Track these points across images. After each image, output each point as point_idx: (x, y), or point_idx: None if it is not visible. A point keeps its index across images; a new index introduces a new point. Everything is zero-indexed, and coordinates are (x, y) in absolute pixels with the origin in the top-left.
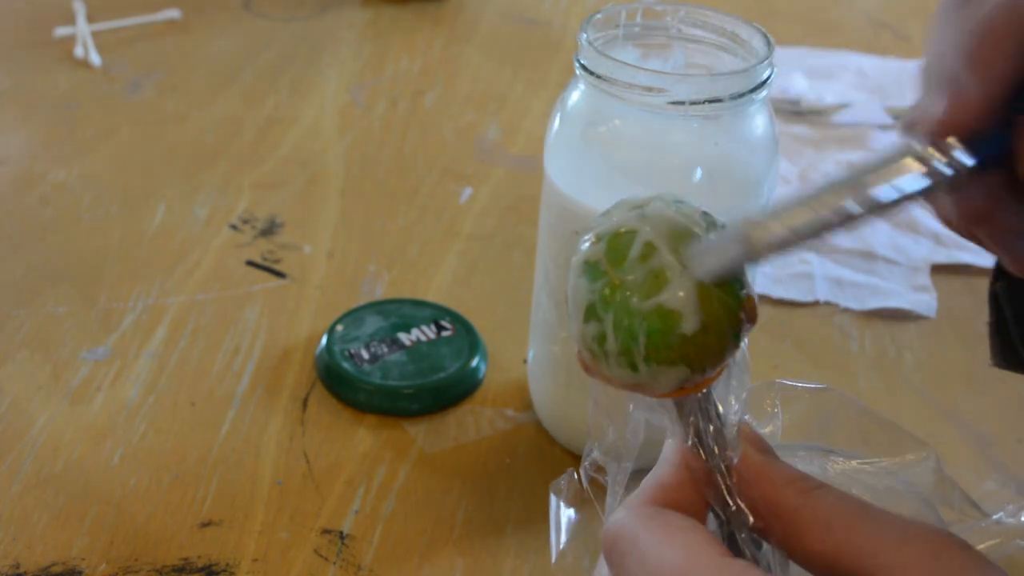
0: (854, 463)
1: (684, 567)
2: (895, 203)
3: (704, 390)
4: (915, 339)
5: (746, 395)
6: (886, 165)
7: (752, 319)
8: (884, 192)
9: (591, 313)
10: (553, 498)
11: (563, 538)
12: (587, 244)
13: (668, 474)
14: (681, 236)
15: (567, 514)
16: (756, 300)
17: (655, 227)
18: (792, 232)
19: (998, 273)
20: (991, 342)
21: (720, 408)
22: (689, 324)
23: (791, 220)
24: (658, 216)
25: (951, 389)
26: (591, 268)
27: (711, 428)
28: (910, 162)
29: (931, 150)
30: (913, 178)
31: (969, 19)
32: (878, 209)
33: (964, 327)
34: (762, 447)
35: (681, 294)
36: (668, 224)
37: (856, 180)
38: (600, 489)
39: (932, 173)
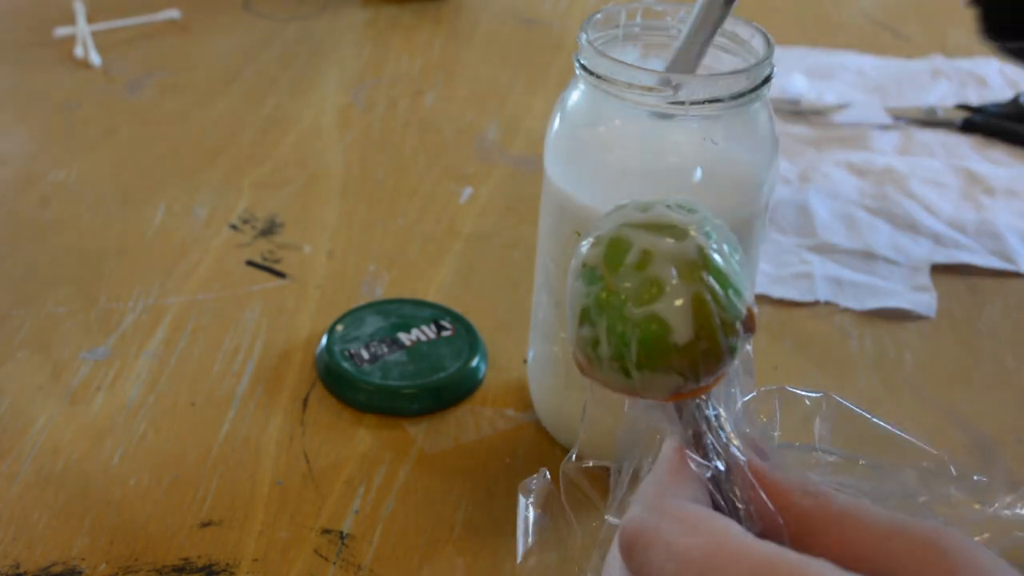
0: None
1: (715, 550)
2: None
3: (703, 396)
4: (915, 339)
5: (749, 399)
6: None
7: (750, 329)
8: None
9: (585, 317)
10: (521, 499)
11: (530, 539)
12: (586, 247)
13: (673, 471)
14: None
15: (535, 515)
16: (755, 310)
17: (652, 238)
18: None
19: None
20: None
21: (720, 411)
22: (681, 335)
23: None
24: (657, 224)
25: (951, 389)
26: (588, 272)
27: (710, 431)
28: None
29: None
30: None
31: None
32: None
33: (964, 327)
34: (762, 454)
35: (675, 304)
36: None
37: None
38: (576, 492)
39: None
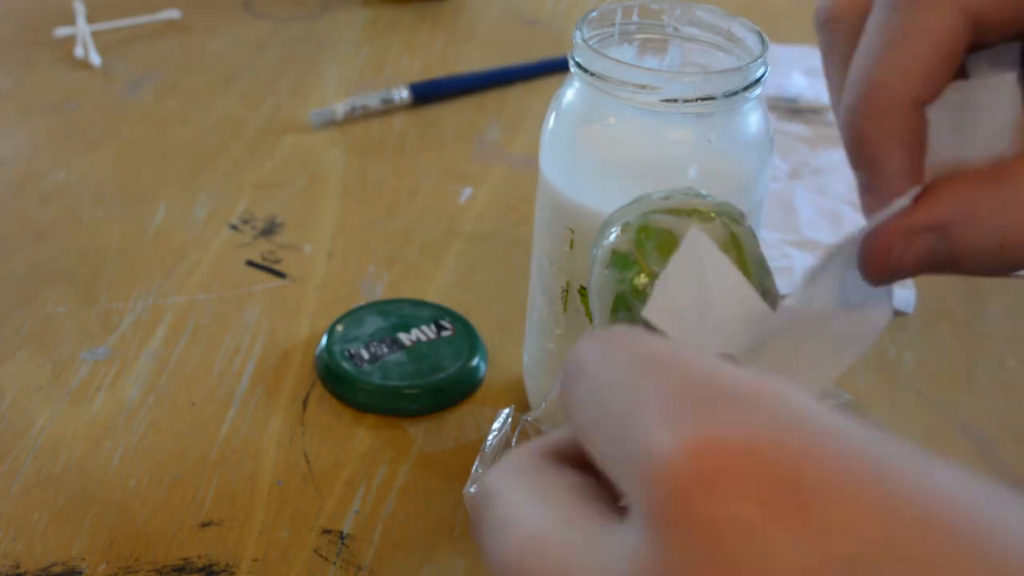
0: None
1: (539, 531)
2: None
3: None
4: (915, 339)
5: None
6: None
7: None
8: None
9: (620, 303)
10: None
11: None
12: (614, 235)
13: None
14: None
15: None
16: (778, 290)
17: (680, 220)
18: None
19: None
20: None
21: None
22: None
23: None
24: (682, 209)
25: (951, 389)
26: (621, 258)
27: None
28: None
29: None
30: None
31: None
32: None
33: (964, 327)
34: None
35: None
36: (693, 218)
37: None
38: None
39: None
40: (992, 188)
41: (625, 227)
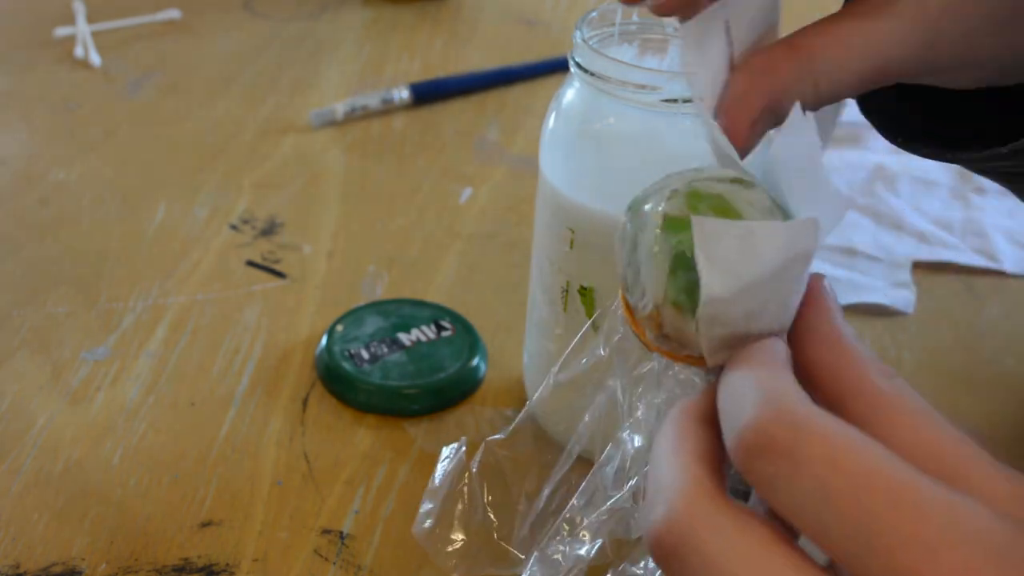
0: None
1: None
2: None
3: None
4: (915, 339)
5: None
6: None
7: None
8: None
9: (680, 263)
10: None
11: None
12: (662, 203)
13: (705, 439)
14: (745, 195)
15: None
16: None
17: (729, 186)
18: None
19: None
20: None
21: None
22: None
23: None
24: (725, 177)
25: (951, 389)
26: (674, 222)
27: None
28: None
29: None
30: None
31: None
32: None
33: (964, 327)
34: (838, 320)
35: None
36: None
37: None
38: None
39: None
40: (796, 71)
41: (672, 194)
